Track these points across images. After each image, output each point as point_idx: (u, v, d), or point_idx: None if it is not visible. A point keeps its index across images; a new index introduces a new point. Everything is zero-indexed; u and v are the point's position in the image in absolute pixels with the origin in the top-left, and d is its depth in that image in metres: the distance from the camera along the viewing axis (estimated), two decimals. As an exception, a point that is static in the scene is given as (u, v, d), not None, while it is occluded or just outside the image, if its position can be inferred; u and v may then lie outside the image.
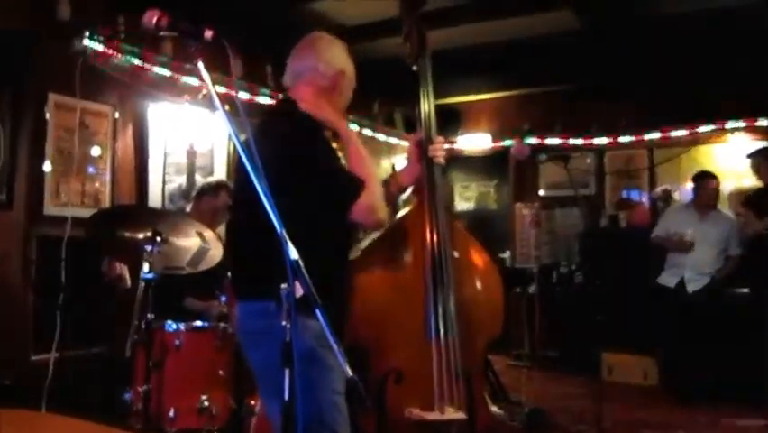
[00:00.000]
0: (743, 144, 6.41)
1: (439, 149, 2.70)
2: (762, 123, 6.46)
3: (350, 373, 1.54)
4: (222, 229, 4.03)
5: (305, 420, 1.94)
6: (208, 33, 1.72)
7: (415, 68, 2.76)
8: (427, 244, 2.59)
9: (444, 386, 2.45)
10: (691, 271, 5.70)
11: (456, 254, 2.68)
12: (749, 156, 5.64)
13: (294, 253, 1.56)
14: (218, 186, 4.07)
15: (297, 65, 2.37)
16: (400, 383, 2.46)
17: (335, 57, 2.36)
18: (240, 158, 1.64)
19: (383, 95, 7.21)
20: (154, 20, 1.75)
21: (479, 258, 2.82)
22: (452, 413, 2.42)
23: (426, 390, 2.44)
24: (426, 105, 2.73)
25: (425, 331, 2.52)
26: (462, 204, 8.71)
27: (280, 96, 5.57)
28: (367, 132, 7.03)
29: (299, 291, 1.56)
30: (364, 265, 2.53)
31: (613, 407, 4.71)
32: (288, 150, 2.11)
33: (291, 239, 1.57)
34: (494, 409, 2.77)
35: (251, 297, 2.16)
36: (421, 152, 2.68)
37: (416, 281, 2.57)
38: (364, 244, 2.65)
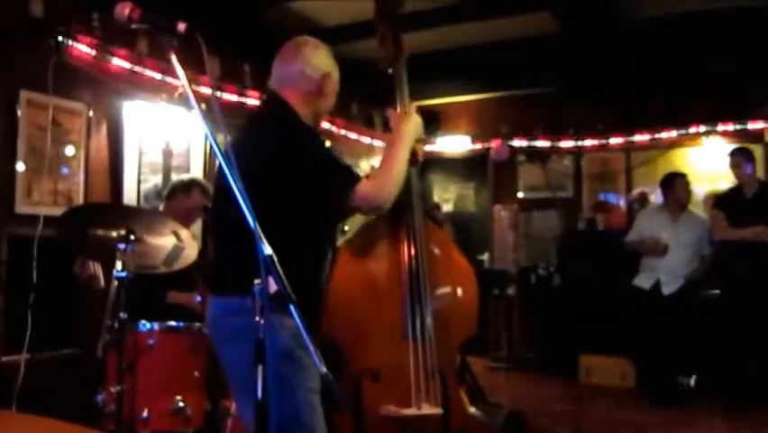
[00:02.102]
0: (718, 148, 6.48)
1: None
2: (737, 126, 6.53)
3: (324, 370, 1.52)
4: (196, 228, 3.99)
5: (282, 420, 1.93)
6: (181, 26, 1.71)
7: (390, 71, 2.75)
8: (403, 253, 2.58)
9: (421, 383, 2.45)
10: (666, 274, 5.72)
11: (437, 251, 2.68)
12: (731, 154, 5.65)
13: (267, 249, 1.53)
14: (191, 184, 3.99)
15: (282, 69, 2.35)
16: (377, 382, 2.45)
17: (322, 61, 2.36)
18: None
19: (362, 95, 7.19)
20: (126, 12, 1.76)
21: (455, 258, 2.82)
22: (429, 409, 2.42)
23: (403, 387, 2.44)
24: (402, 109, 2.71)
25: (402, 331, 2.51)
26: (441, 206, 8.72)
27: (258, 94, 5.56)
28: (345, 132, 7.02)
29: (273, 287, 1.53)
30: (339, 263, 2.51)
31: (591, 409, 4.73)
32: (282, 152, 2.12)
33: (270, 237, 1.55)
34: (472, 410, 2.75)
35: (226, 292, 2.13)
36: None
37: (391, 281, 2.57)
38: (340, 241, 2.63)
